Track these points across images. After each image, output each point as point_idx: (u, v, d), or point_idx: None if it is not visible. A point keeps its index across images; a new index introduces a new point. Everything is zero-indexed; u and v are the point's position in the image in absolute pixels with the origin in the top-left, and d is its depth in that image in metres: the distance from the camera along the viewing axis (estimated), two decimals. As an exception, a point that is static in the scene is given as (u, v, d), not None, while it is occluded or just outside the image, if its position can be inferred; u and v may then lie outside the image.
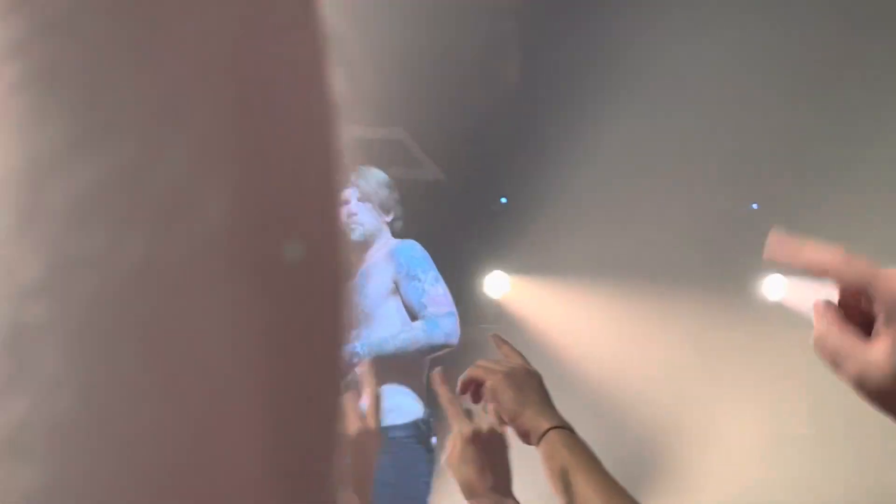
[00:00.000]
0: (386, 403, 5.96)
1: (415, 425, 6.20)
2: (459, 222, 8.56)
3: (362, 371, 2.66)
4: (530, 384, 2.43)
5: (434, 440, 6.24)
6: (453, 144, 8.59)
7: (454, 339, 6.01)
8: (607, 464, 2.31)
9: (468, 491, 2.40)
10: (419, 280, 5.96)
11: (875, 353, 1.08)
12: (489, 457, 2.44)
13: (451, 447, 2.47)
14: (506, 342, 2.63)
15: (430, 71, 7.93)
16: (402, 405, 6.07)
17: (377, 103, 8.19)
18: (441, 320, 6.10)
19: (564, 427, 2.36)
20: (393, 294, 6.06)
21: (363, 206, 5.91)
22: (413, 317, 6.08)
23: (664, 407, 7.57)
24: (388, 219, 6.10)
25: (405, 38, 7.86)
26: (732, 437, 7.55)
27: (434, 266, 6.20)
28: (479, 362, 2.48)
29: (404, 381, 6.06)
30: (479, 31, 8.40)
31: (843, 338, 1.11)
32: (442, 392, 2.55)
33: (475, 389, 2.44)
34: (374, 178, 6.16)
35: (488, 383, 2.40)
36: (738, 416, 7.59)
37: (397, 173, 8.68)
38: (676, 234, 7.93)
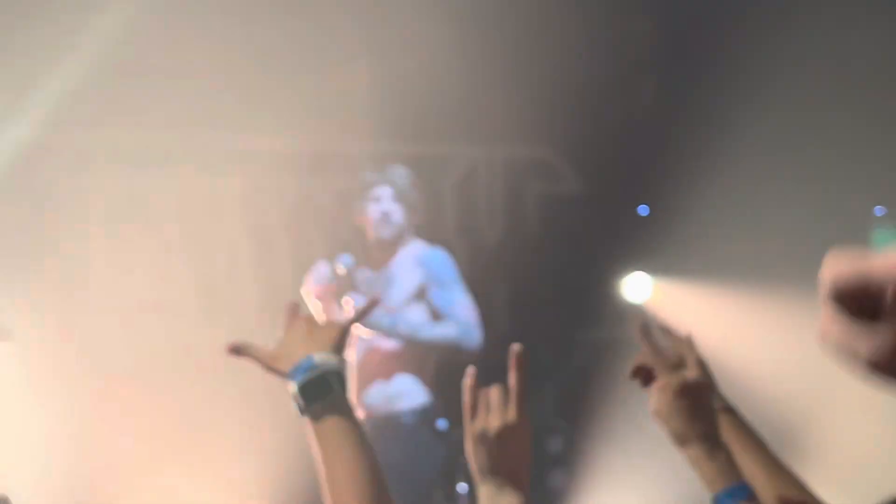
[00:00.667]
0: (394, 390, 6.14)
1: (423, 410, 6.24)
2: (603, 231, 8.60)
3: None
4: (706, 397, 2.49)
5: (440, 424, 6.33)
6: (595, 159, 8.63)
7: (478, 349, 6.02)
8: None
9: (679, 440, 2.40)
10: (450, 289, 5.90)
11: (887, 329, 1.03)
12: (697, 405, 2.43)
13: (658, 398, 2.46)
14: (668, 331, 2.68)
15: (572, 92, 8.00)
16: (410, 392, 6.14)
17: (523, 123, 8.41)
18: (473, 329, 6.11)
19: (728, 409, 2.43)
20: (418, 299, 6.03)
21: (397, 206, 5.83)
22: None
23: (796, 405, 7.54)
24: (416, 220, 6.06)
25: (548, 62, 8.03)
26: (860, 436, 7.39)
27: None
28: (644, 350, 2.54)
29: (413, 371, 6.11)
30: (616, 52, 8.49)
31: (851, 323, 1.07)
32: (645, 346, 2.57)
33: (646, 374, 2.50)
34: (406, 178, 6.02)
35: (650, 368, 2.49)
36: (865, 416, 7.46)
37: (544, 188, 8.86)
38: (808, 237, 7.73)
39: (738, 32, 7.78)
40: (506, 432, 2.45)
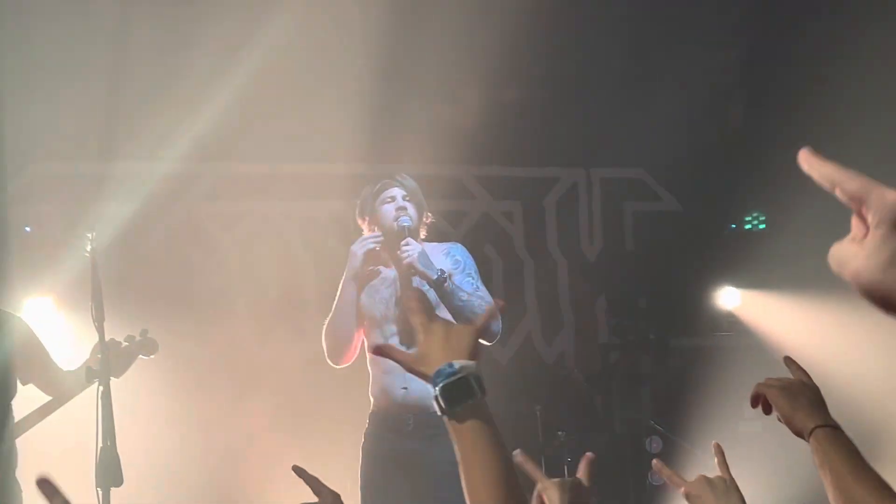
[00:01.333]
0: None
1: None
2: (696, 246, 8.59)
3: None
4: (803, 393, 2.49)
5: None
6: (690, 181, 8.73)
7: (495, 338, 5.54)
8: None
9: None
10: (473, 277, 5.61)
11: (864, 250, 1.12)
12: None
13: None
14: (794, 362, 2.64)
15: (665, 117, 8.02)
16: None
17: (620, 146, 8.49)
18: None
19: (829, 426, 2.38)
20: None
21: (409, 203, 5.61)
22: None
23: (877, 409, 7.39)
24: (426, 220, 5.58)
25: (643, 90, 8.12)
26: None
27: None
28: (764, 380, 2.55)
29: None
30: (706, 80, 8.49)
31: (846, 245, 1.16)
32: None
33: (764, 402, 2.53)
34: (414, 183, 5.68)
35: (768, 396, 2.51)
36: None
37: (641, 207, 8.93)
38: None
39: (820, 61, 7.80)
40: None
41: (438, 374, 2.18)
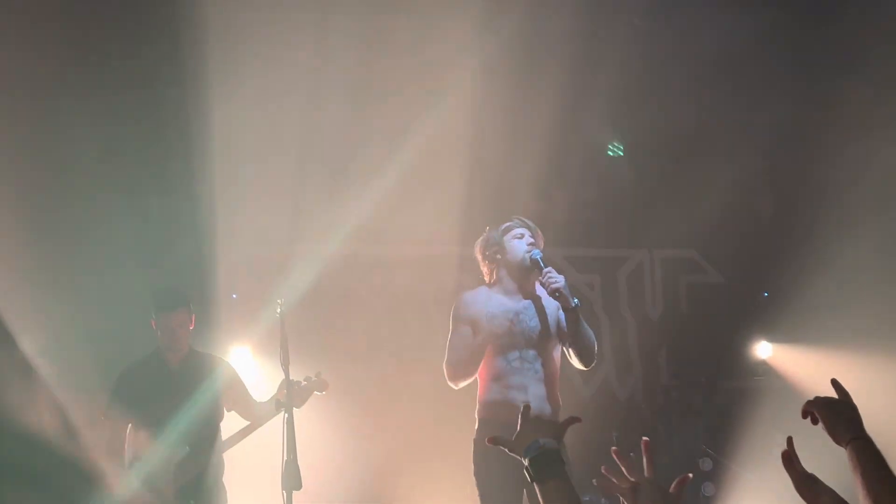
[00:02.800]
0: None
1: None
2: (736, 309, 8.46)
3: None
4: (844, 410, 2.37)
5: None
6: (731, 258, 8.58)
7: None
8: None
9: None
10: None
11: None
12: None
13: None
14: (838, 384, 2.49)
15: (712, 208, 7.99)
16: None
17: (676, 231, 8.42)
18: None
19: (864, 438, 2.27)
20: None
21: (533, 240, 4.87)
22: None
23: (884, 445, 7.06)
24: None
25: (692, 188, 8.03)
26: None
27: None
28: (814, 398, 2.43)
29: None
30: (741, 184, 8.43)
31: None
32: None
33: (812, 415, 2.41)
34: (534, 225, 5.06)
35: (815, 411, 2.39)
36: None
37: (692, 279, 8.81)
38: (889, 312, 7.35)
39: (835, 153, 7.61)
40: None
41: (527, 449, 2.23)
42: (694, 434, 8.21)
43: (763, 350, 8.37)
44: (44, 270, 6.80)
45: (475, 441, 4.94)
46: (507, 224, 5.04)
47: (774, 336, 8.31)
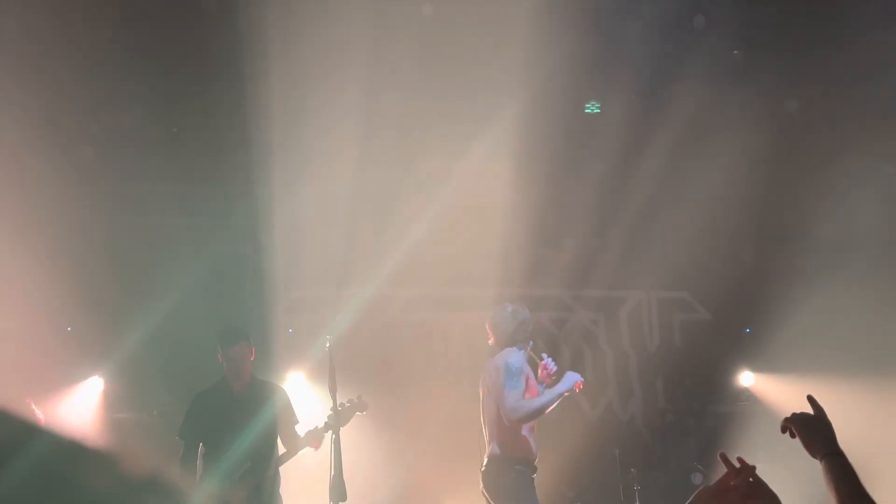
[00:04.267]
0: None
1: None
2: (722, 344, 8.40)
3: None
4: (818, 426, 2.26)
5: None
6: (717, 299, 8.52)
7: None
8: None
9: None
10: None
11: None
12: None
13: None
14: (814, 400, 2.35)
15: (699, 258, 7.99)
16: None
17: (669, 275, 8.38)
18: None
19: (835, 455, 2.17)
20: None
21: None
22: None
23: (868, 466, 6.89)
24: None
25: (683, 239, 7.99)
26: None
27: None
28: (791, 415, 2.31)
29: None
30: (726, 235, 8.39)
31: None
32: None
33: (791, 431, 2.30)
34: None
35: (793, 426, 2.28)
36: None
37: (685, 317, 8.75)
38: (864, 345, 7.23)
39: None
40: None
41: None
42: (687, 451, 8.11)
43: (746, 378, 8.31)
44: (126, 312, 6.87)
45: (517, 477, 4.99)
46: (523, 311, 5.21)
47: (756, 366, 8.25)
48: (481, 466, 5.14)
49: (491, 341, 5.25)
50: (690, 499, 2.14)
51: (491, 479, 5.05)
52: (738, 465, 2.19)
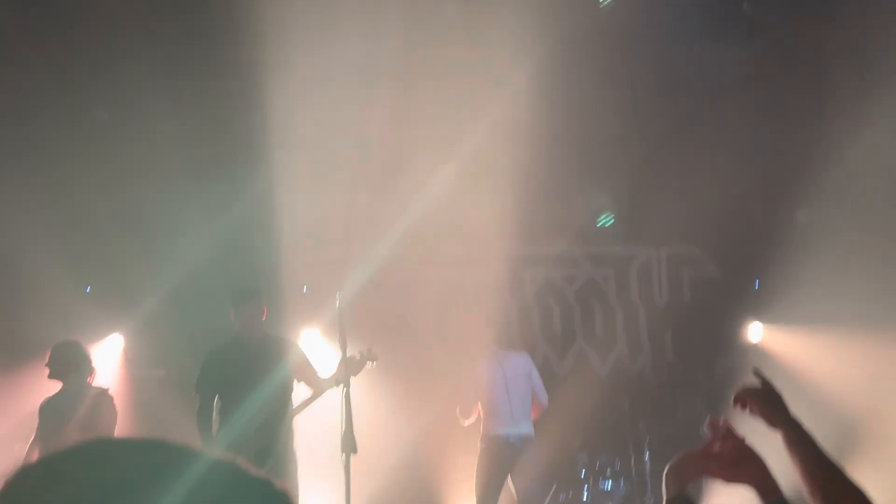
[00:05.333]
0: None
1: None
2: (731, 299, 8.30)
3: None
4: (772, 396, 2.19)
5: None
6: (727, 254, 8.43)
7: None
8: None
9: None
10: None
11: None
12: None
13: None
14: (762, 373, 2.30)
15: (710, 214, 7.87)
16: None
17: (681, 231, 8.29)
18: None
19: (793, 422, 2.14)
20: None
21: None
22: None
23: (866, 412, 6.87)
24: None
25: (696, 196, 7.90)
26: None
27: None
28: (742, 387, 2.24)
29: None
30: (737, 191, 8.27)
31: None
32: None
33: (742, 401, 2.23)
34: None
35: (747, 399, 2.21)
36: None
37: (694, 272, 8.67)
38: (868, 295, 7.10)
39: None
40: None
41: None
42: (695, 403, 8.08)
43: (754, 331, 8.24)
44: (144, 271, 6.87)
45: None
46: None
47: (764, 320, 8.18)
48: (520, 438, 5.86)
49: None
50: (672, 461, 2.05)
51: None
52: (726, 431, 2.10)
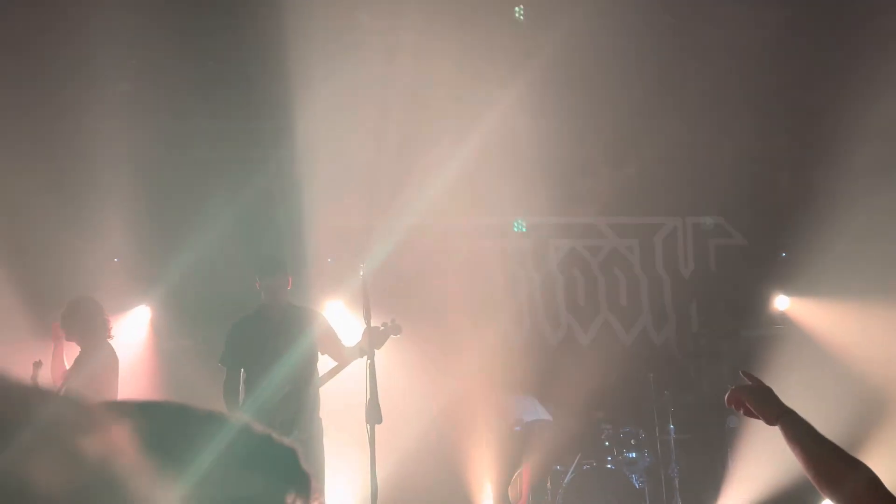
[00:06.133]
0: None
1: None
2: (758, 268, 8.18)
3: None
4: (764, 393, 2.20)
5: None
6: (753, 223, 8.33)
7: None
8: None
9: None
10: None
11: None
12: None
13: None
14: (751, 374, 2.32)
15: (735, 183, 7.80)
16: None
17: (707, 200, 8.18)
18: None
19: (789, 413, 2.14)
20: None
21: None
22: None
23: (885, 388, 6.73)
24: None
25: (722, 167, 7.77)
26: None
27: None
28: (734, 388, 2.26)
29: None
30: (763, 155, 8.12)
31: None
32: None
33: (737, 402, 2.25)
34: None
35: (742, 398, 2.23)
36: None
37: (719, 242, 8.55)
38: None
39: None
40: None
41: None
42: (720, 374, 7.99)
43: (781, 302, 8.11)
44: (171, 243, 6.87)
45: None
46: None
47: (791, 290, 8.04)
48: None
49: None
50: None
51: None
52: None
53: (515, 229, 8.18)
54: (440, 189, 7.26)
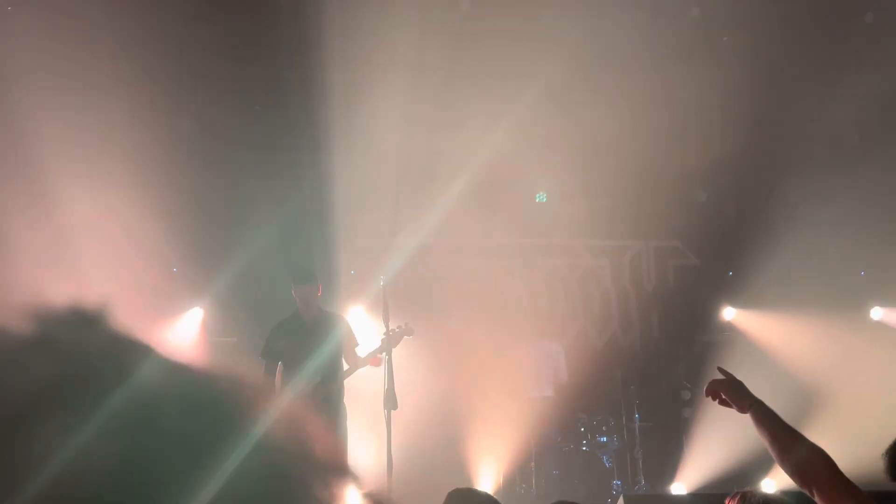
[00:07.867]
0: None
1: None
2: (708, 285, 8.23)
3: None
4: (737, 385, 2.24)
5: None
6: (705, 246, 8.32)
7: None
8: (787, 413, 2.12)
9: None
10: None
11: None
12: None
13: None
14: (725, 370, 2.33)
15: (691, 211, 7.78)
16: None
17: (665, 227, 8.21)
18: None
19: (759, 402, 2.16)
20: None
21: None
22: None
23: (824, 386, 6.84)
24: None
25: (678, 197, 7.80)
26: (859, 406, 6.44)
27: None
28: (711, 381, 2.28)
29: None
30: (715, 188, 8.15)
31: None
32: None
33: (714, 392, 2.27)
34: None
35: (718, 390, 2.25)
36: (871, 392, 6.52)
37: (677, 262, 8.58)
38: (832, 282, 7.13)
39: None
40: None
41: None
42: (677, 372, 8.03)
43: (728, 313, 8.15)
44: (220, 256, 6.92)
45: None
46: None
47: (736, 303, 8.09)
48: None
49: None
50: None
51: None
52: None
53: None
54: (445, 215, 7.31)
